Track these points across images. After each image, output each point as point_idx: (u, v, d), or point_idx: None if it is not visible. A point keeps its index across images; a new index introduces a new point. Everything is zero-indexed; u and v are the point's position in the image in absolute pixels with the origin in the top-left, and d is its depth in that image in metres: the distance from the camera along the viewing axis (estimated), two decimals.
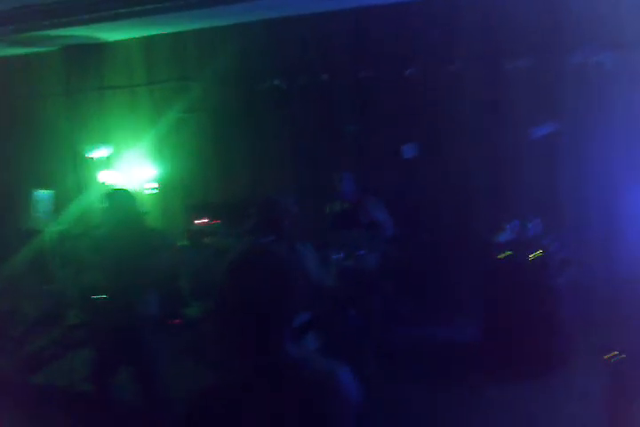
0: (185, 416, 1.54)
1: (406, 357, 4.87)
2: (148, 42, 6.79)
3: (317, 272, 3.44)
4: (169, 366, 3.83)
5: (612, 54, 4.91)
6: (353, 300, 4.50)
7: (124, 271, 3.58)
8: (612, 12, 4.88)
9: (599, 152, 5.09)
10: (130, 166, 6.95)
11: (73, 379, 4.14)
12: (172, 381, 3.76)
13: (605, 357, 3.10)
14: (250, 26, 6.13)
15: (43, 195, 7.06)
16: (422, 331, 5.33)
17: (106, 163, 6.95)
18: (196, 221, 6.31)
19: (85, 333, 4.34)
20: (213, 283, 1.66)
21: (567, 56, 5.05)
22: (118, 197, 3.81)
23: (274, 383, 1.48)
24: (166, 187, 6.92)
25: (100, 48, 7.01)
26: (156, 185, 6.86)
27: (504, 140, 5.38)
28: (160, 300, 3.80)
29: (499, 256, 4.63)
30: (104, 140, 7.09)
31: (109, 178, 6.81)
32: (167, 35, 6.63)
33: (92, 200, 7.19)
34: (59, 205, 7.24)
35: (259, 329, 1.49)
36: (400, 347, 5.02)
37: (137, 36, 6.73)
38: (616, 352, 3.01)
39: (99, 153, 6.81)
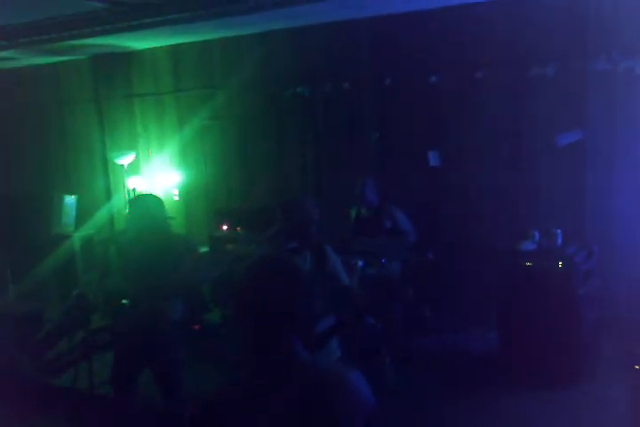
0: (197, 417, 1.57)
1: (425, 364, 4.84)
2: (175, 50, 6.91)
3: (344, 277, 3.30)
4: (190, 371, 3.85)
5: None
6: (373, 307, 4.47)
7: (149, 276, 3.61)
8: None
9: (626, 161, 5.01)
10: (155, 172, 7.05)
11: (95, 382, 4.19)
12: (193, 385, 3.78)
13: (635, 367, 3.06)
14: (273, 34, 6.20)
15: (71, 200, 7.18)
16: (442, 339, 5.29)
17: (133, 169, 7.05)
18: (219, 228, 6.34)
19: (109, 337, 4.39)
20: (233, 289, 1.70)
21: (594, 62, 4.99)
22: (145, 202, 3.80)
23: (283, 384, 1.50)
24: (190, 193, 7.00)
25: (127, 56, 7.14)
26: (178, 191, 6.94)
27: (529, 148, 5.34)
28: (183, 305, 3.83)
29: (522, 265, 4.58)
30: (131, 147, 7.21)
31: (136, 184, 6.90)
32: (193, 43, 6.73)
33: (118, 206, 7.32)
34: (86, 210, 7.36)
35: (268, 330, 1.53)
36: (419, 354, 4.99)
37: (164, 44, 6.84)
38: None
39: (126, 159, 6.91)
